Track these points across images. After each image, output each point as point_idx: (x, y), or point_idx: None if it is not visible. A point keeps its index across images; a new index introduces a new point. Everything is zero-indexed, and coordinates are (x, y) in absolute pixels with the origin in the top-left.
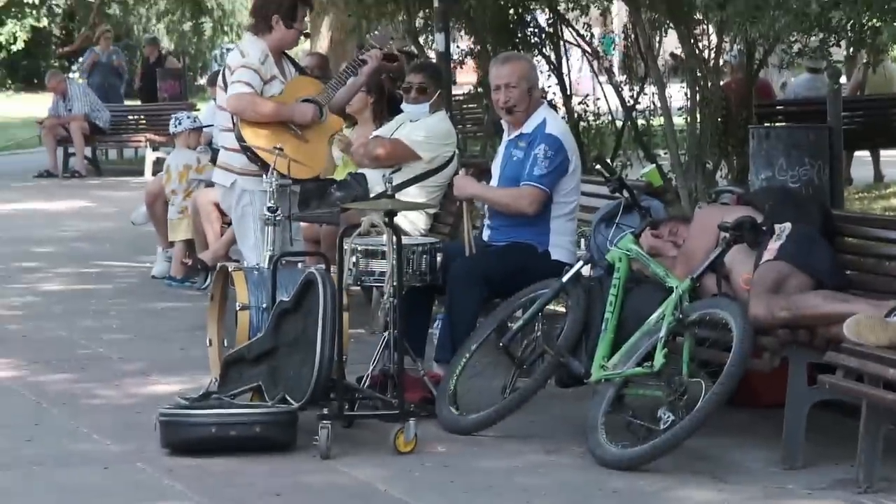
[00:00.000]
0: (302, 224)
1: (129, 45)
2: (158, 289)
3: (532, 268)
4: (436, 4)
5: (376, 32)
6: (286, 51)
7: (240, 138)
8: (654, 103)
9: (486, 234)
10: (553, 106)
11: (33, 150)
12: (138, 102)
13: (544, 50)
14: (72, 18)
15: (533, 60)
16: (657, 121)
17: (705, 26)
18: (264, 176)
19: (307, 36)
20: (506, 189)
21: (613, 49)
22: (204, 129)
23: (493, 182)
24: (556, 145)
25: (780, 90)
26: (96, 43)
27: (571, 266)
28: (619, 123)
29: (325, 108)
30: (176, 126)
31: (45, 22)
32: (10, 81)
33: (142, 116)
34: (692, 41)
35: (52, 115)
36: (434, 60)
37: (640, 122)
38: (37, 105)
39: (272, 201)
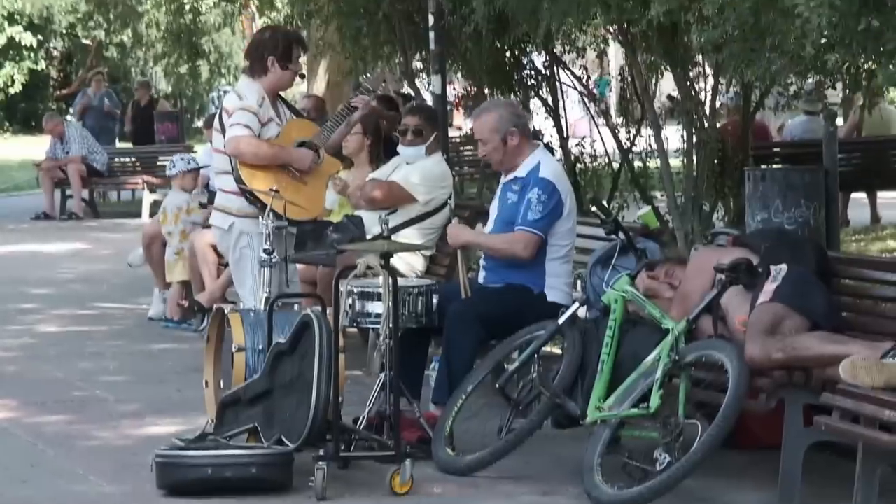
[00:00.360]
0: (298, 266)
1: (126, 87)
2: (155, 330)
3: (528, 309)
4: (432, 47)
5: (369, 75)
6: (281, 93)
7: (238, 180)
8: (650, 145)
9: (481, 276)
10: (550, 148)
11: (31, 193)
12: (130, 145)
13: (541, 92)
14: (69, 61)
15: (510, 105)
16: (653, 163)
17: (702, 69)
18: (260, 218)
19: (303, 77)
20: (499, 235)
21: (609, 91)
22: (201, 171)
23: (490, 224)
24: (549, 189)
25: (777, 133)
26: (88, 85)
27: (567, 307)
28: (615, 165)
29: (322, 151)
30: (171, 169)
31: (42, 65)
32: (7, 123)
33: (135, 159)
34: (688, 83)
35: (49, 157)
36: (430, 103)
37: (637, 163)
38: (34, 147)
39: (268, 243)
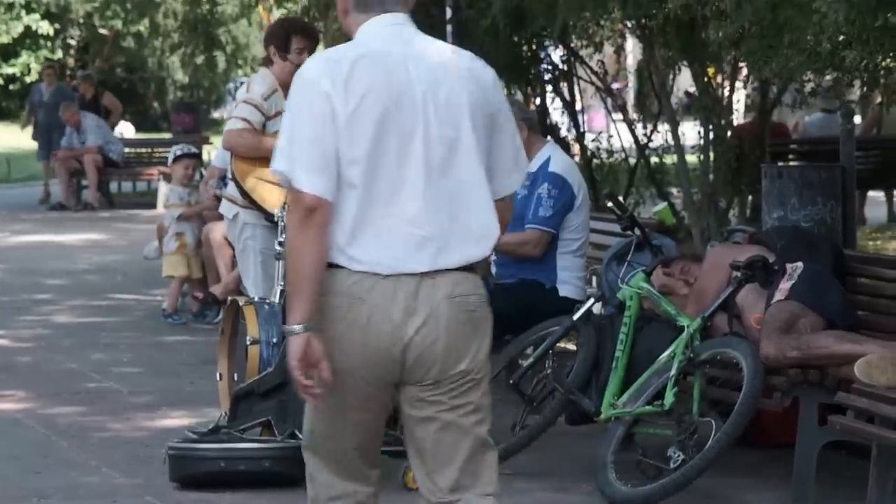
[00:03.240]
0: None
1: (143, 78)
2: (169, 322)
3: (540, 305)
4: (449, 41)
5: None
6: None
7: (232, 174)
8: (667, 141)
9: (493, 271)
10: (566, 143)
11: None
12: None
13: (558, 87)
14: (86, 51)
15: (514, 102)
16: (670, 159)
17: (720, 65)
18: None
19: None
20: (509, 235)
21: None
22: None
23: None
24: (559, 183)
25: (793, 130)
26: (40, 80)
27: (579, 302)
28: (632, 161)
29: None
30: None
31: (59, 54)
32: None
33: (151, 150)
34: (706, 79)
35: (65, 147)
36: None
37: (653, 160)
38: None
39: (283, 235)
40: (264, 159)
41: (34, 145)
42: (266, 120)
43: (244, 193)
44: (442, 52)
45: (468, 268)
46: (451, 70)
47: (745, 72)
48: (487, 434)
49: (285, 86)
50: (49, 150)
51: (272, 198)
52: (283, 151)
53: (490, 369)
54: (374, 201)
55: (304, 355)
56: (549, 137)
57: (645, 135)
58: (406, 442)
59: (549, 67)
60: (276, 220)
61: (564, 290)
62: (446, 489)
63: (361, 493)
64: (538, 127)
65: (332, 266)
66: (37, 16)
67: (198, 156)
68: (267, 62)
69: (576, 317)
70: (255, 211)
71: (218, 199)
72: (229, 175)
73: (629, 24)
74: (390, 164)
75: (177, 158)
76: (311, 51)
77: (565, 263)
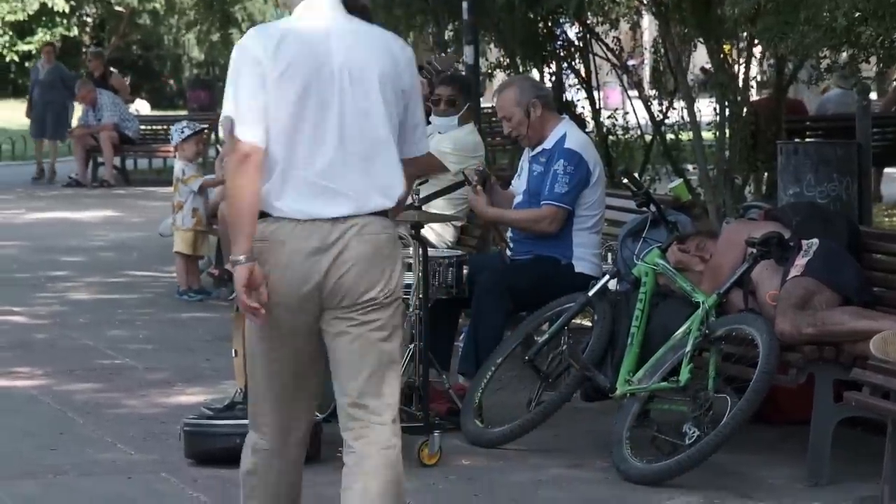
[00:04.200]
0: None
1: (159, 55)
2: (185, 299)
3: (556, 281)
4: (465, 17)
5: (443, 55)
6: None
7: None
8: (682, 118)
9: (509, 247)
10: (581, 119)
11: (62, 160)
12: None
13: (574, 64)
14: (102, 28)
15: (528, 79)
16: (686, 135)
17: (736, 41)
18: None
19: None
20: (525, 211)
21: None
22: None
23: (518, 198)
24: (574, 159)
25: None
26: (39, 58)
27: (595, 278)
28: (647, 138)
29: None
30: (172, 141)
31: (75, 31)
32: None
33: (167, 127)
34: (721, 56)
35: (81, 124)
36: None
37: (669, 136)
38: None
39: None
40: None
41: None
42: None
43: None
44: (363, 31)
45: (380, 213)
46: (368, 47)
47: (758, 50)
48: (396, 354)
49: None
50: (43, 129)
51: None
52: (228, 101)
53: (401, 293)
54: (294, 158)
55: (248, 281)
56: (564, 114)
57: (660, 111)
58: (330, 359)
59: (565, 44)
60: None
61: (580, 267)
62: (354, 394)
63: (289, 423)
64: (553, 104)
65: (259, 214)
66: None
67: (204, 129)
68: None
69: (591, 293)
70: None
71: None
72: None
73: (645, 1)
74: (309, 126)
75: (186, 138)
76: None
77: (581, 240)
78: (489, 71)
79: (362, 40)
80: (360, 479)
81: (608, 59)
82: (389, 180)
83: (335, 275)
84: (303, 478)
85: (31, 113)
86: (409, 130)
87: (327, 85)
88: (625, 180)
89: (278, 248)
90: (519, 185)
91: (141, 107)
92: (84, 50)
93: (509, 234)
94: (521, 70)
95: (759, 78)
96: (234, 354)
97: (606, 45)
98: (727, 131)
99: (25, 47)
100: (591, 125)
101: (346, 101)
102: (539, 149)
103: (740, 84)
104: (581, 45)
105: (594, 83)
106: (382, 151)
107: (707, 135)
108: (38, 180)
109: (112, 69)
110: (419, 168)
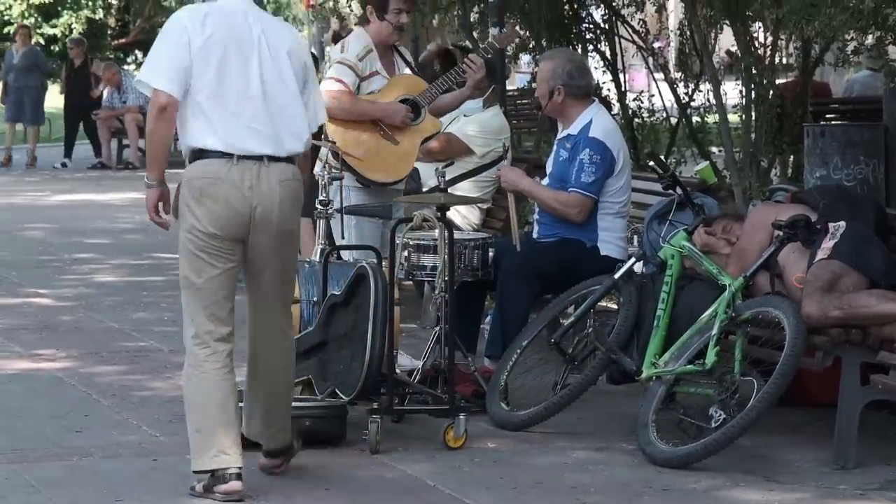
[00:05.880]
0: None
1: None
2: None
3: (581, 263)
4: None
5: (504, 30)
6: (393, 45)
7: (325, 137)
8: (708, 100)
9: (535, 230)
10: (607, 102)
11: (87, 142)
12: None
13: (599, 46)
14: (127, 10)
15: (570, 62)
16: (712, 118)
17: (761, 23)
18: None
19: (401, 30)
20: (555, 192)
21: None
22: None
23: (545, 179)
24: (599, 149)
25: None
26: (13, 41)
27: (621, 261)
28: (673, 120)
29: (425, 110)
30: None
31: (100, 14)
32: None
33: None
34: (748, 38)
35: (106, 106)
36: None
37: (695, 119)
38: None
39: (324, 194)
40: (361, 123)
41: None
42: (360, 80)
43: (336, 156)
44: (270, 17)
45: (290, 160)
46: (276, 27)
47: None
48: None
49: (381, 45)
50: (18, 114)
51: (369, 163)
52: (147, 65)
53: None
54: (224, 108)
55: (156, 201)
56: (594, 98)
57: (686, 94)
58: (247, 288)
59: (591, 26)
60: (325, 178)
61: (605, 250)
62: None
63: (223, 331)
64: (584, 92)
65: (197, 157)
66: None
67: None
68: (363, 21)
69: (617, 276)
70: (347, 173)
71: None
72: (323, 138)
73: None
74: (234, 81)
75: None
76: (409, 11)
77: (606, 224)
78: (514, 53)
79: (271, 21)
80: None
81: (634, 42)
82: (299, 129)
83: (263, 211)
84: (329, 460)
85: (5, 98)
86: (310, 104)
87: (247, 48)
88: (651, 163)
89: (216, 184)
90: (547, 166)
91: None
92: (109, 32)
93: (536, 215)
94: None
95: (784, 60)
96: None
97: (632, 27)
98: (753, 114)
99: (50, 30)
100: (616, 108)
101: (265, 63)
102: (564, 133)
103: (767, 66)
104: (607, 27)
105: (620, 65)
106: (292, 106)
107: (733, 117)
108: (5, 166)
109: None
110: (443, 150)
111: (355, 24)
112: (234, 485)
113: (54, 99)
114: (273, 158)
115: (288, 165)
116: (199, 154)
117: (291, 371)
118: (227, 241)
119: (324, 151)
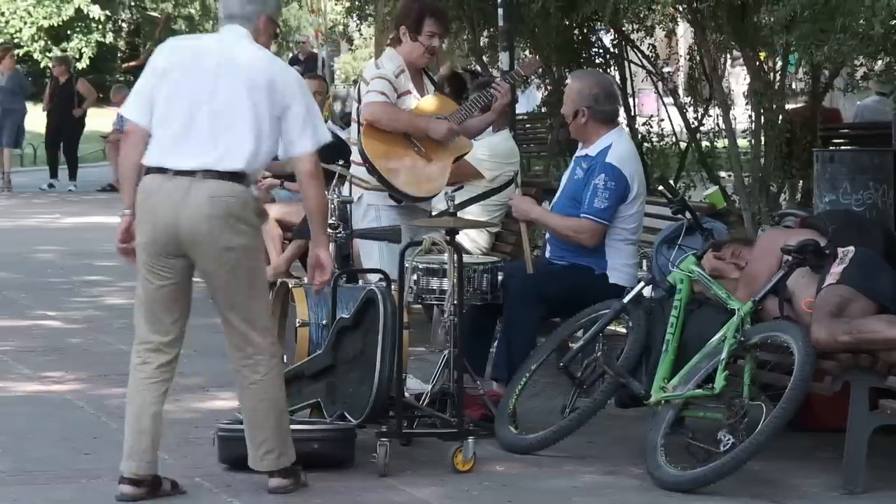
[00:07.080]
0: None
1: None
2: None
3: (589, 289)
4: (500, 23)
5: (525, 57)
6: (423, 67)
7: (361, 154)
8: (718, 125)
9: (546, 252)
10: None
11: (98, 164)
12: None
13: (609, 71)
14: (137, 34)
15: (598, 84)
16: (721, 143)
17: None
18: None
19: (432, 53)
20: (566, 219)
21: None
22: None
23: (557, 194)
24: (615, 174)
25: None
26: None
27: (629, 289)
28: (682, 145)
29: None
30: None
31: (110, 37)
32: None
33: None
34: (757, 63)
35: (116, 129)
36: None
37: (704, 143)
38: (102, 119)
39: (334, 217)
40: (396, 139)
41: (87, 128)
42: (397, 97)
43: (372, 171)
44: (246, 52)
45: (234, 178)
46: (253, 57)
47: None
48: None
49: (412, 66)
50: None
51: (404, 177)
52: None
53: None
54: (167, 128)
55: (126, 229)
56: (619, 123)
57: (696, 118)
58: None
59: (601, 51)
60: (335, 200)
61: (614, 277)
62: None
63: (157, 340)
64: (603, 115)
65: (145, 174)
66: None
67: None
68: (395, 42)
69: (626, 300)
70: (379, 192)
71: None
72: (357, 156)
73: (680, 9)
74: (181, 105)
75: None
76: (442, 36)
77: (616, 251)
78: (525, 77)
79: (240, 58)
80: None
81: (643, 66)
82: (242, 151)
83: (190, 226)
84: (338, 482)
85: None
86: (289, 133)
87: (202, 83)
88: (660, 187)
89: (150, 198)
90: (561, 184)
91: None
92: (119, 55)
93: (547, 237)
94: (555, 77)
95: (793, 86)
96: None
97: (642, 52)
98: (762, 139)
99: (61, 54)
100: (626, 132)
101: (218, 97)
102: (583, 152)
103: (776, 91)
104: (616, 52)
105: (629, 90)
106: (243, 129)
107: (742, 142)
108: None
109: (79, 76)
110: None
111: (387, 45)
112: (122, 488)
113: (37, 123)
114: (208, 174)
115: (224, 182)
116: (146, 171)
117: (269, 392)
118: (161, 257)
119: (353, 169)
